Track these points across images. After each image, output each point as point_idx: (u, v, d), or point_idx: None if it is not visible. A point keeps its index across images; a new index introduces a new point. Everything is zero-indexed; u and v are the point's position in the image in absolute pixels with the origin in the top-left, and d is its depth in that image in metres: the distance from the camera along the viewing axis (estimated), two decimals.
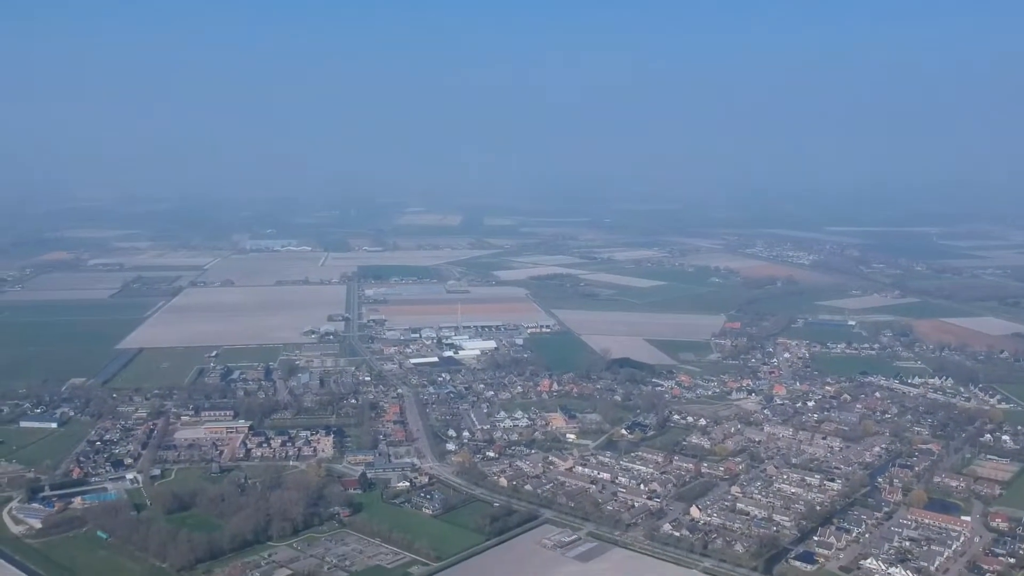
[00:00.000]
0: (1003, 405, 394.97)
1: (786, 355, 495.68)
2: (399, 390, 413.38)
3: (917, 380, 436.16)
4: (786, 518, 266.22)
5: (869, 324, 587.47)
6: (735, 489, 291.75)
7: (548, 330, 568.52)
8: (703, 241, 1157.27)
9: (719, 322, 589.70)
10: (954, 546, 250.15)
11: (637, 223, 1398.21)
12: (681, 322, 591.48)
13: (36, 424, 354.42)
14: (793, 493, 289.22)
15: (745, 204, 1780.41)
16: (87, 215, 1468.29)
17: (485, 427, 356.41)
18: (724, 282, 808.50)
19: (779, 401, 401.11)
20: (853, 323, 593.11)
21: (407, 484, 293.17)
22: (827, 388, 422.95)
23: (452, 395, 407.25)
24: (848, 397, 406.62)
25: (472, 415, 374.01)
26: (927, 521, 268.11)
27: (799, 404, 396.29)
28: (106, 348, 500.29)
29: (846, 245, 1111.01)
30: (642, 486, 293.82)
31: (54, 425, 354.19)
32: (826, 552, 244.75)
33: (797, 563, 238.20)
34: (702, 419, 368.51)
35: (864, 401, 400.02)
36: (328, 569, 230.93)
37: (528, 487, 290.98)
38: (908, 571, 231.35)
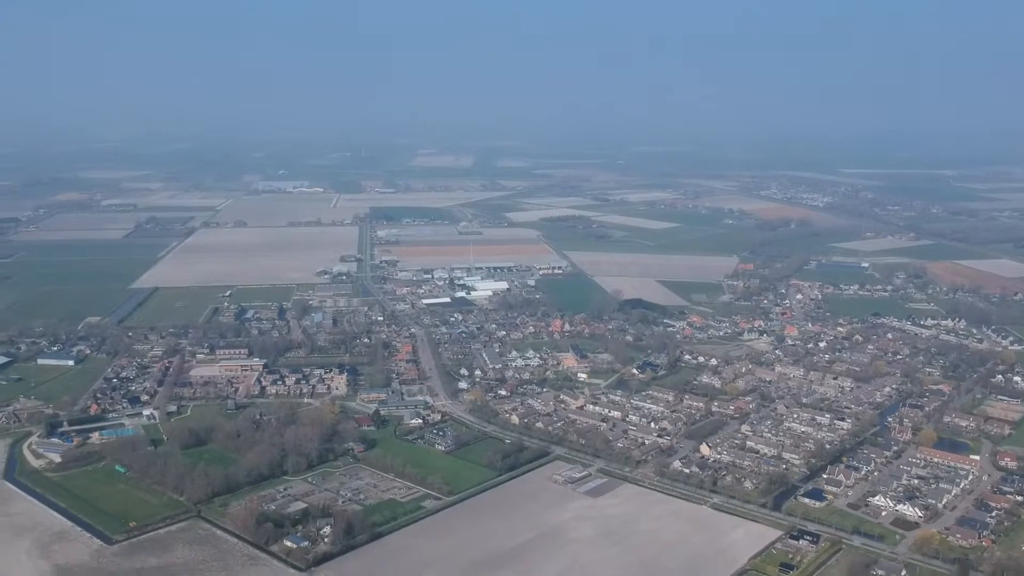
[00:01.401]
0: (1015, 347, 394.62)
1: (798, 296, 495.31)
2: (412, 330, 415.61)
3: (930, 322, 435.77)
4: (795, 456, 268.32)
5: (882, 266, 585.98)
6: (745, 428, 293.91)
7: (560, 271, 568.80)
8: (717, 183, 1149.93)
9: (732, 263, 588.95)
10: (962, 484, 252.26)
11: (651, 165, 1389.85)
12: (694, 263, 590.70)
13: (53, 361, 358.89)
14: (803, 432, 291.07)
15: (761, 146, 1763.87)
16: (100, 156, 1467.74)
17: (497, 366, 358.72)
18: (737, 224, 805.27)
19: (791, 342, 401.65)
20: (866, 265, 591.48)
21: (420, 421, 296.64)
22: (839, 329, 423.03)
23: (464, 335, 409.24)
24: (860, 338, 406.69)
25: (484, 354, 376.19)
26: (936, 460, 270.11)
27: (810, 345, 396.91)
28: (121, 287, 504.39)
29: (861, 187, 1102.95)
30: (652, 424, 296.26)
31: (71, 363, 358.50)
32: (835, 489, 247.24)
33: (806, 500, 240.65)
34: (713, 359, 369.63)
35: (876, 342, 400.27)
36: (343, 502, 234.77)
37: (539, 424, 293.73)
38: (916, 508, 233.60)
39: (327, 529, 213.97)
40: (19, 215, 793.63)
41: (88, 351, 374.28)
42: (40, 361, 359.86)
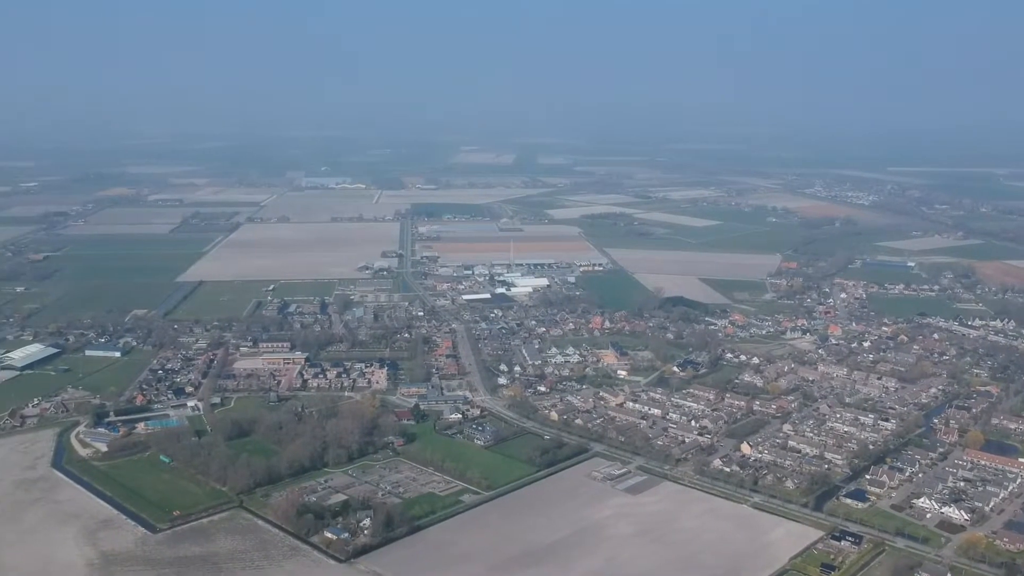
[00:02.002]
0: None
1: (842, 295, 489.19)
2: (452, 325, 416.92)
3: (977, 322, 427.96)
4: (838, 456, 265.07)
5: (929, 265, 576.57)
6: (787, 427, 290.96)
7: (600, 268, 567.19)
8: (761, 181, 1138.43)
9: (775, 262, 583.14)
10: (1010, 487, 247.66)
11: (694, 162, 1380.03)
12: (736, 262, 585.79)
13: (101, 353, 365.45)
14: (846, 432, 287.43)
15: (805, 144, 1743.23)
16: (147, 152, 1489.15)
17: (536, 362, 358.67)
18: (781, 222, 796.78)
19: (834, 341, 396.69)
20: (913, 264, 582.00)
21: (459, 416, 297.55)
22: (884, 329, 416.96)
23: (504, 331, 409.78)
24: (905, 338, 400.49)
25: (523, 351, 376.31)
26: (983, 462, 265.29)
27: (854, 344, 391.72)
28: (167, 281, 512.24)
29: (908, 186, 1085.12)
30: (693, 422, 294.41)
31: (118, 354, 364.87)
32: (878, 491, 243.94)
33: (848, 500, 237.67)
34: (755, 358, 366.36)
35: (922, 342, 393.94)
36: (382, 495, 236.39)
37: (578, 421, 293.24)
38: (962, 511, 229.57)
39: (367, 521, 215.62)
40: (68, 209, 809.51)
41: (134, 343, 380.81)
42: (88, 352, 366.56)
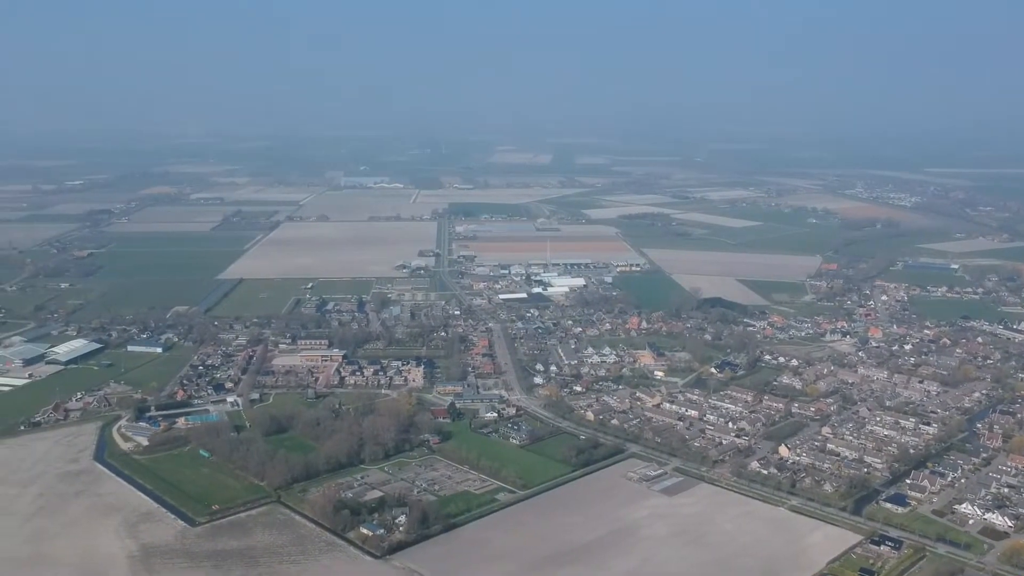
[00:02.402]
0: None
1: (883, 298, 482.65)
2: (488, 324, 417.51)
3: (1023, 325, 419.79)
4: (878, 460, 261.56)
5: (973, 268, 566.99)
6: (826, 430, 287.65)
7: (638, 268, 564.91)
8: (801, 181, 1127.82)
9: (815, 263, 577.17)
10: None
11: (732, 163, 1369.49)
12: (775, 263, 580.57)
13: (143, 348, 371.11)
14: (886, 435, 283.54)
15: (845, 144, 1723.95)
16: (189, 152, 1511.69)
17: (572, 362, 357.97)
18: (821, 223, 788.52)
19: (875, 344, 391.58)
20: (956, 267, 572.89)
21: (495, 415, 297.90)
22: (926, 332, 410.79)
23: (540, 330, 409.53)
24: (948, 341, 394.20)
25: (560, 350, 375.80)
26: None
27: (895, 347, 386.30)
28: (208, 278, 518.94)
29: (951, 187, 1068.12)
30: (730, 424, 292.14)
31: (159, 350, 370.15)
32: (919, 495, 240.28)
33: (888, 505, 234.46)
34: (794, 360, 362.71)
35: (965, 346, 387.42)
36: (418, 492, 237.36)
37: (615, 421, 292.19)
38: (1005, 517, 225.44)
39: (402, 518, 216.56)
40: (112, 207, 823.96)
41: (175, 339, 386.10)
42: (130, 348, 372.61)
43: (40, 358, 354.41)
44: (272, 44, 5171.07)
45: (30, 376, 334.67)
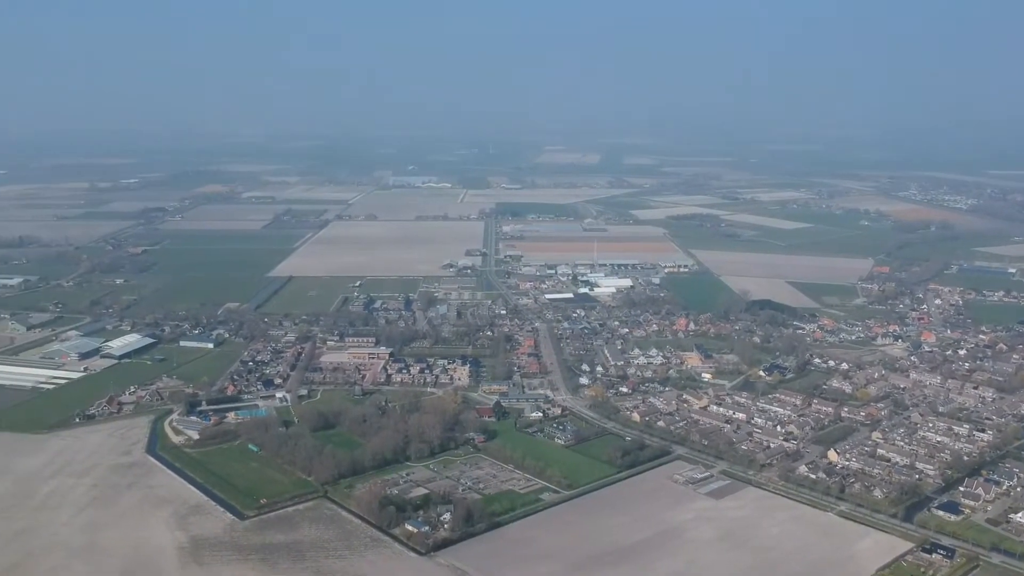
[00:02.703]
0: None
1: (937, 301, 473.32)
2: (534, 324, 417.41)
3: None
4: (930, 467, 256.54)
5: None
6: (876, 435, 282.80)
7: (686, 270, 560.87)
8: (853, 183, 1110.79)
9: (867, 266, 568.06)
10: None
11: (784, 164, 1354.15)
12: (826, 265, 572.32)
13: (194, 344, 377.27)
14: (939, 442, 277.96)
15: (899, 145, 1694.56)
16: (241, 151, 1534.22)
17: (619, 363, 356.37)
18: (874, 225, 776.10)
19: (928, 348, 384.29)
20: (1014, 271, 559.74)
21: (540, 414, 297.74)
22: (981, 337, 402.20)
23: (586, 331, 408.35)
24: (1004, 347, 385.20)
25: (606, 351, 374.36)
26: None
27: (949, 352, 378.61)
28: (258, 275, 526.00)
29: (1010, 190, 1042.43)
30: (778, 427, 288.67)
31: (211, 345, 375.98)
32: (972, 503, 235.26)
33: (940, 512, 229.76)
34: (844, 363, 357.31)
35: (1022, 351, 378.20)
36: (463, 490, 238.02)
37: (661, 423, 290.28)
38: None
39: (447, 516, 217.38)
40: (166, 205, 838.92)
41: (226, 335, 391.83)
42: (182, 343, 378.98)
43: (95, 352, 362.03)
44: (321, 48, 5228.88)
45: (85, 370, 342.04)
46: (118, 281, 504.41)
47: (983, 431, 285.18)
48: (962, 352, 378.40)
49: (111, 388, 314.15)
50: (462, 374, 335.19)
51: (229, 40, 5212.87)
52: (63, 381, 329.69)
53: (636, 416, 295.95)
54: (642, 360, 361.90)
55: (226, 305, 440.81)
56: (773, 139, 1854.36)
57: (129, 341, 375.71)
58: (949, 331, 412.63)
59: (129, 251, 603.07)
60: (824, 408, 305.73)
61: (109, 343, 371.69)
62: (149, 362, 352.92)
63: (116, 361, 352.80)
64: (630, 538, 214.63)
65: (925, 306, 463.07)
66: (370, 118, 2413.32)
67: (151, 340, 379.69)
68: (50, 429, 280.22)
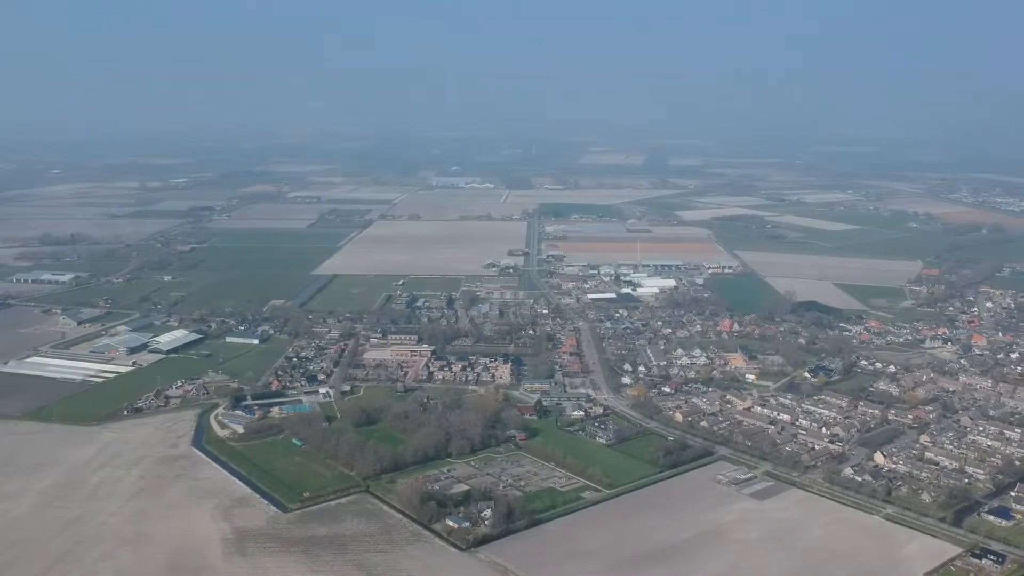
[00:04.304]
0: None
1: (988, 304, 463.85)
2: (576, 324, 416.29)
3: None
4: (980, 471, 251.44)
5: None
6: (924, 438, 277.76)
7: (730, 271, 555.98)
8: (902, 184, 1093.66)
9: (915, 268, 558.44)
10: None
11: (832, 165, 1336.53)
12: (873, 267, 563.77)
13: (240, 340, 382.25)
14: (989, 446, 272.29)
15: (952, 146, 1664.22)
16: (288, 151, 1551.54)
17: (661, 363, 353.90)
18: (923, 227, 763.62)
19: (978, 351, 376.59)
20: None
21: (582, 413, 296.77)
22: None
23: (629, 331, 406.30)
24: None
25: (648, 351, 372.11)
26: None
27: (1000, 355, 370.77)
28: (303, 273, 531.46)
29: None
30: (824, 429, 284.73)
31: (256, 341, 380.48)
32: None
33: (991, 517, 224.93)
34: (891, 366, 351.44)
35: None
36: (503, 487, 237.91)
37: (704, 424, 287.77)
38: None
39: (488, 512, 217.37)
40: (213, 204, 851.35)
41: (271, 331, 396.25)
42: (228, 339, 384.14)
43: (143, 347, 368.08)
44: (363, 48, 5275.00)
45: (134, 364, 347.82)
46: (166, 278, 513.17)
47: None
48: (1014, 356, 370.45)
49: (159, 382, 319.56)
50: (504, 372, 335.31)
51: (278, 44, 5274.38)
52: (112, 375, 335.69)
53: (679, 416, 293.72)
54: (685, 360, 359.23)
55: (271, 302, 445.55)
56: (823, 140, 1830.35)
57: (176, 336, 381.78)
58: (1001, 334, 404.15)
59: (177, 249, 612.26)
60: (871, 410, 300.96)
61: (157, 338, 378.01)
62: (196, 357, 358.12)
63: (164, 356, 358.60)
64: (672, 538, 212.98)
65: (976, 309, 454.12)
66: (417, 119, 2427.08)
67: (198, 336, 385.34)
68: (100, 421, 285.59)
